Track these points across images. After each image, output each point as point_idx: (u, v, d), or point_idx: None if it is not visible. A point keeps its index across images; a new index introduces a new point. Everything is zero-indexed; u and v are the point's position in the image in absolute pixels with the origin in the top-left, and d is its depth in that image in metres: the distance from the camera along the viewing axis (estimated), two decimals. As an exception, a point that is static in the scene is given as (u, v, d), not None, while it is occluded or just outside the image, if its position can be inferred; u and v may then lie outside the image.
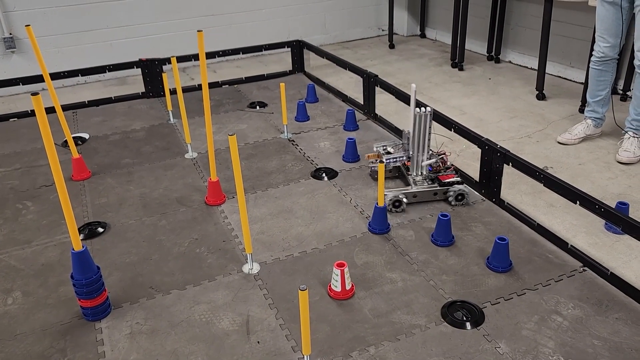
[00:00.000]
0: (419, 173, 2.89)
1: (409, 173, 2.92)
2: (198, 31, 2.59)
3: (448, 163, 2.93)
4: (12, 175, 3.28)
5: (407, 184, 2.92)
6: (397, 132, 3.65)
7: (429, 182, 2.86)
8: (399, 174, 3.07)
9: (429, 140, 2.82)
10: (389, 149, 3.06)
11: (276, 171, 3.22)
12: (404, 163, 2.96)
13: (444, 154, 2.92)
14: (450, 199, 2.78)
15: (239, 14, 5.51)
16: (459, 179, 2.83)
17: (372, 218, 2.62)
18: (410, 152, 2.86)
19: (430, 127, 2.79)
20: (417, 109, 2.77)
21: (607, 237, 2.54)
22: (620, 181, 3.01)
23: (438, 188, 2.81)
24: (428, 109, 2.76)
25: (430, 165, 2.87)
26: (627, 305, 2.10)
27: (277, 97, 4.34)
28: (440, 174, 2.87)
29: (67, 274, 2.35)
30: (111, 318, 2.12)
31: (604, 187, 2.96)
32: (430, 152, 2.92)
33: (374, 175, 3.06)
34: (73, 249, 1.96)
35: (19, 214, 2.87)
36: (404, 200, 2.74)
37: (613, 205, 2.44)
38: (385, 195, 2.68)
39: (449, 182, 2.80)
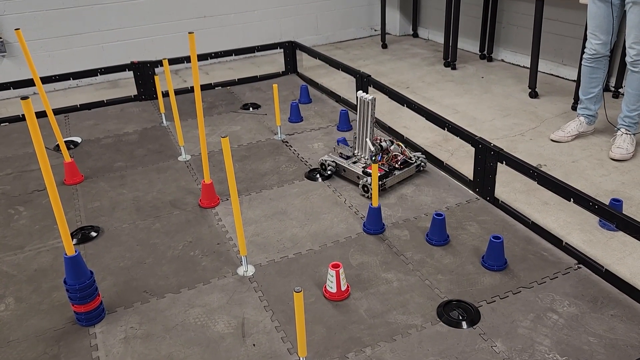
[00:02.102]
0: (364, 156, 3.04)
1: (356, 152, 3.10)
2: (189, 33, 2.58)
3: (399, 160, 3.01)
4: (4, 181, 3.25)
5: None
6: (390, 131, 3.65)
7: (362, 166, 2.98)
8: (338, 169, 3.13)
9: (372, 124, 2.96)
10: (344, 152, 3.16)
11: (270, 173, 3.21)
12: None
13: (399, 153, 3.02)
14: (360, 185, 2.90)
15: (230, 16, 5.49)
16: (378, 174, 2.85)
17: (366, 218, 2.62)
18: (355, 134, 3.08)
19: (373, 114, 2.96)
20: (362, 93, 2.95)
21: (601, 234, 2.55)
22: (613, 178, 3.02)
23: (360, 174, 2.93)
24: (371, 96, 2.92)
25: (373, 152, 2.93)
26: (622, 301, 2.11)
27: (270, 98, 4.33)
28: (374, 163, 2.92)
29: (60, 279, 2.33)
30: (105, 323, 2.10)
31: (597, 184, 2.97)
32: (391, 142, 3.06)
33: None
34: (66, 254, 1.95)
35: (11, 219, 2.85)
36: (330, 165, 3.03)
37: (607, 202, 2.45)
38: (322, 158, 3.09)
39: (368, 172, 2.90)
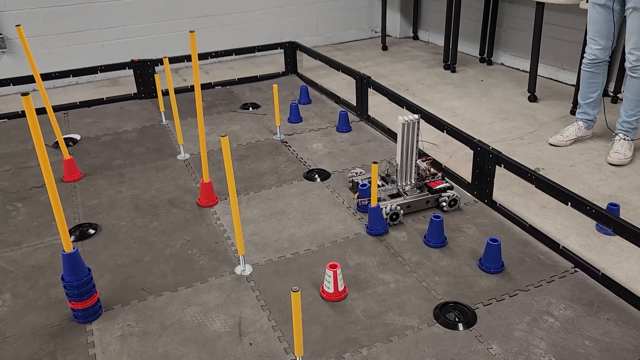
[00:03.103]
0: (408, 182, 2.80)
1: (398, 184, 2.80)
2: (190, 32, 2.58)
3: (432, 170, 2.85)
4: (2, 177, 3.25)
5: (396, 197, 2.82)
6: (390, 133, 3.66)
7: (419, 191, 2.79)
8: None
9: (417, 147, 2.73)
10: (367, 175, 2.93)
11: (269, 172, 3.22)
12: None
13: (428, 161, 2.87)
14: (443, 205, 2.74)
15: (231, 15, 5.50)
16: (447, 184, 2.80)
17: (368, 219, 2.62)
18: (398, 162, 2.74)
19: (418, 135, 2.71)
20: (403, 118, 2.67)
21: (598, 238, 2.56)
22: (611, 182, 3.03)
23: (430, 196, 2.76)
24: (415, 116, 2.68)
25: (417, 173, 2.80)
26: (618, 305, 2.11)
27: (270, 98, 4.34)
28: (428, 181, 2.82)
29: (57, 276, 2.33)
30: (102, 320, 2.10)
31: (595, 188, 2.98)
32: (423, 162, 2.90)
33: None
34: (64, 251, 1.95)
35: (9, 215, 2.84)
36: (401, 212, 2.66)
37: (604, 207, 2.46)
38: (380, 207, 2.60)
39: (439, 188, 2.76)
